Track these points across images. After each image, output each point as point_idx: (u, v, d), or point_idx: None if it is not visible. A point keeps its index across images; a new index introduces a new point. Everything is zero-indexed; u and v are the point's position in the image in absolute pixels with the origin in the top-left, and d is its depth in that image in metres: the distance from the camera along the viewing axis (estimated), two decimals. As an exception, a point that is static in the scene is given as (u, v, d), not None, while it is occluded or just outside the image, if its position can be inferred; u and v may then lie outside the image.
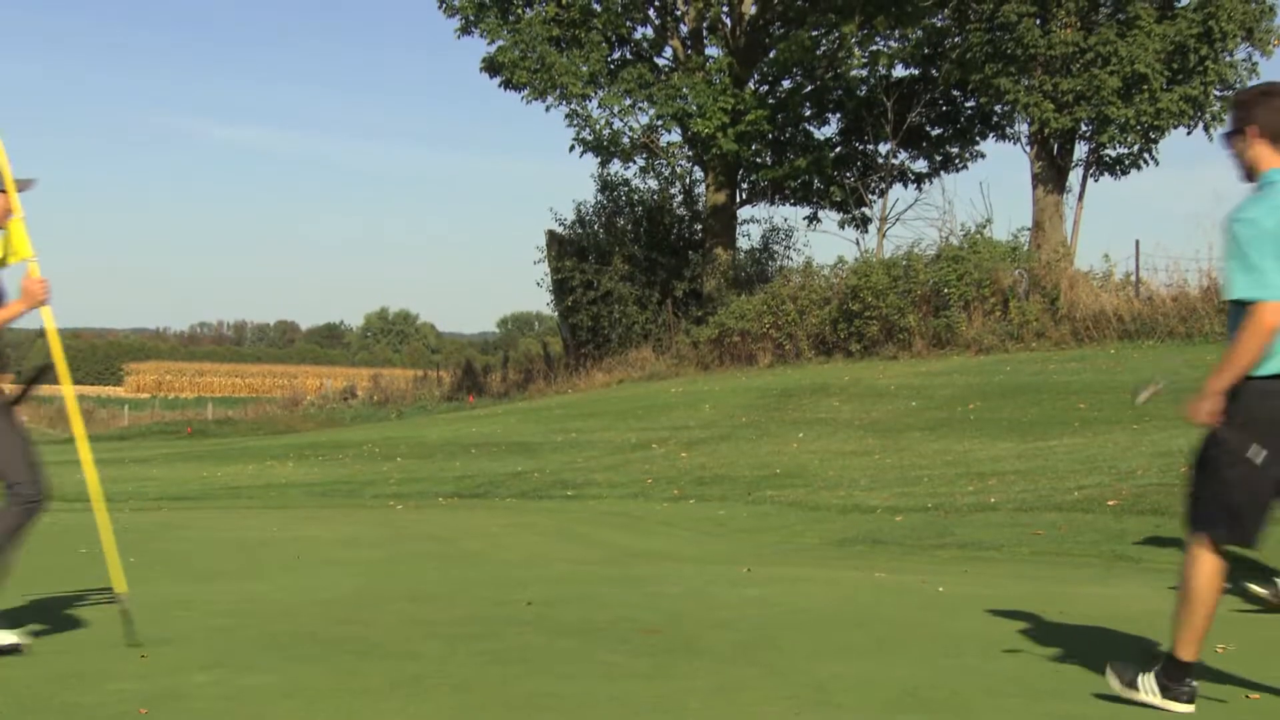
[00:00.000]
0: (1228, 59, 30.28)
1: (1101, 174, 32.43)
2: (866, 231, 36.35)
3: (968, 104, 35.65)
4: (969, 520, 11.20)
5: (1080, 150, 32.16)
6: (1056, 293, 26.77)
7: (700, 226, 36.23)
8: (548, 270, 36.21)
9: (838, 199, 35.85)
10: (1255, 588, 7.09)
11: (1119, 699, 5.11)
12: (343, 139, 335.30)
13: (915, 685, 5.43)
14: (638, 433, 19.81)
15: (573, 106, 34.12)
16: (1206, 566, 4.99)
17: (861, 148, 36.68)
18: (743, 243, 36.61)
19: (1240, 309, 4.85)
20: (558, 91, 33.31)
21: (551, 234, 36.30)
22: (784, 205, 37.57)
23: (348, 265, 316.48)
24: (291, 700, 5.20)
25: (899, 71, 35.86)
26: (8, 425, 5.97)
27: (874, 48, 35.02)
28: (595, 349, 34.08)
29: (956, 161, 36.67)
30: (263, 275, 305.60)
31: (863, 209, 36.33)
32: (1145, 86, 29.47)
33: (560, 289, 35.56)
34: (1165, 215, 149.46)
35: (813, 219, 37.31)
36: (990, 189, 74.36)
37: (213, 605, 7.49)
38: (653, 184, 36.62)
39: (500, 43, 33.74)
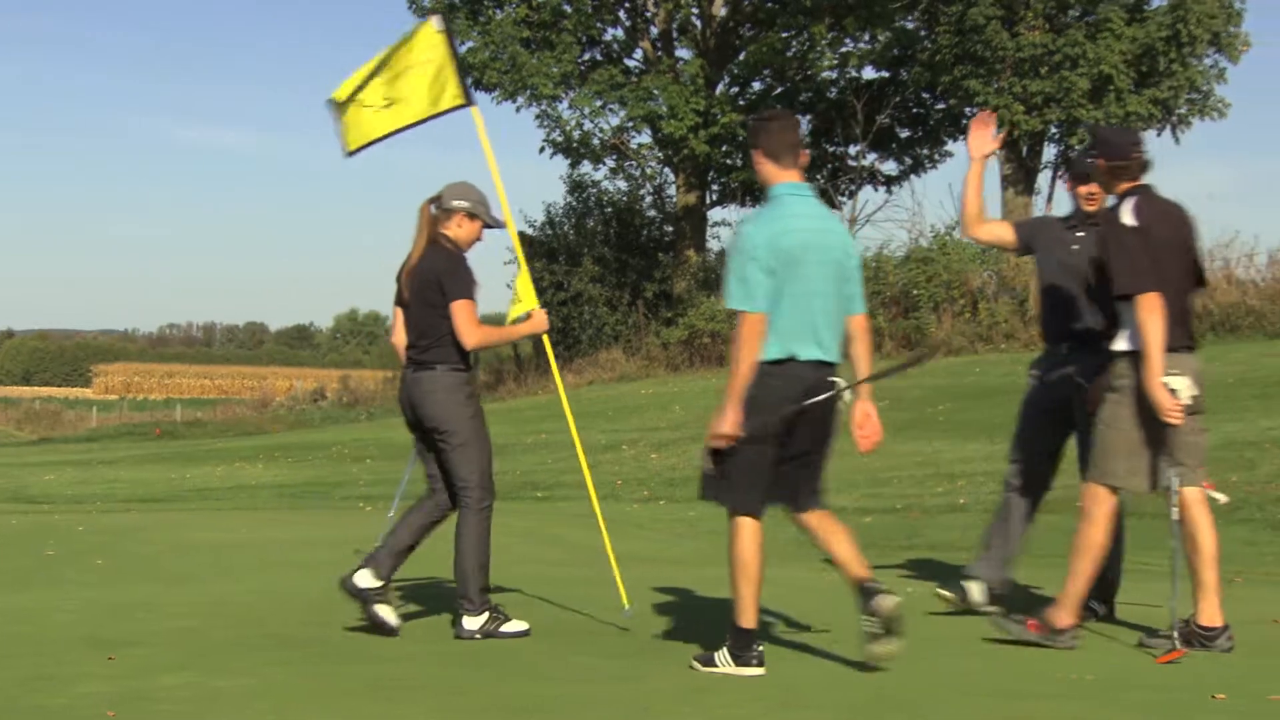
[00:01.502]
0: (1196, 64, 30.44)
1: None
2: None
3: (937, 106, 35.67)
4: (938, 521, 11.24)
5: (1049, 152, 32.26)
6: (1026, 294, 26.80)
7: (671, 228, 36.25)
8: (513, 274, 36.15)
9: (808, 201, 35.99)
10: (943, 591, 7.19)
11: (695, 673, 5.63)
12: (312, 140, 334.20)
13: (886, 686, 5.44)
14: (608, 434, 19.79)
15: (543, 108, 34.06)
16: (745, 537, 5.64)
17: (831, 149, 36.67)
18: (713, 244, 36.67)
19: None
20: (528, 93, 33.23)
21: (521, 235, 36.22)
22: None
23: (317, 266, 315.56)
24: (262, 702, 5.16)
25: (869, 73, 35.95)
26: None
27: (844, 49, 35.05)
28: (565, 350, 34.02)
29: (926, 163, 36.73)
30: (232, 276, 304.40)
31: (833, 210, 36.44)
32: (1113, 88, 29.58)
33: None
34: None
35: (783, 220, 37.39)
36: (960, 191, 74.67)
37: (182, 607, 7.44)
38: (623, 185, 36.62)
39: (470, 44, 33.66)
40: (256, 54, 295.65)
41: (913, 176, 36.81)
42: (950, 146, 36.77)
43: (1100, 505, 6.16)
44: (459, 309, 6.51)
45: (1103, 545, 6.15)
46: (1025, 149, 31.60)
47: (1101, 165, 6.28)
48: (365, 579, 6.60)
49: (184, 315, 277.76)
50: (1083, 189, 7.03)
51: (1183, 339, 6.08)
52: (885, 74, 35.71)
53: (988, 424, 17.12)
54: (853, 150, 36.05)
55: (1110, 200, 6.44)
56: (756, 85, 36.11)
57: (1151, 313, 5.90)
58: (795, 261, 5.52)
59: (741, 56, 35.28)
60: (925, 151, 36.60)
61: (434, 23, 7.09)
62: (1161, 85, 30.07)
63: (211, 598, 7.83)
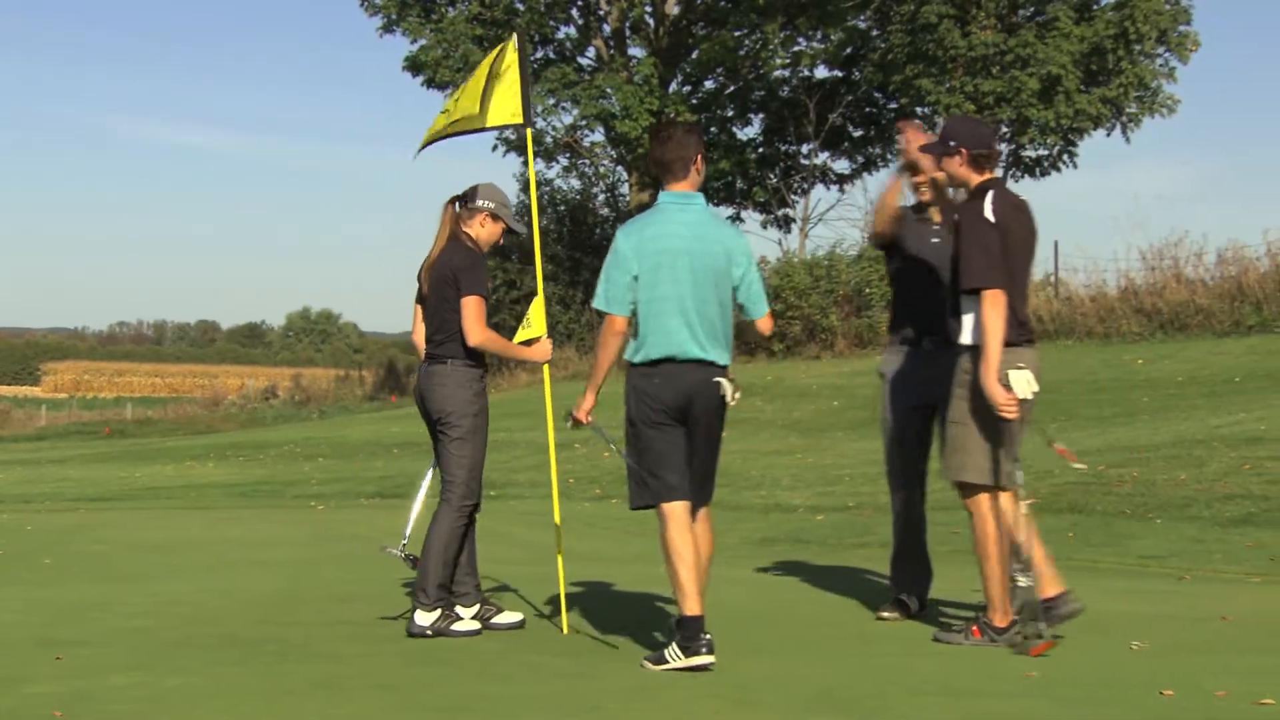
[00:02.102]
0: (1145, 62, 30.59)
1: (1021, 175, 32.58)
2: (789, 232, 36.51)
3: (889, 105, 35.72)
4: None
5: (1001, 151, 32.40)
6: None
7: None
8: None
9: (760, 199, 36.01)
10: (884, 613, 7.08)
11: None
12: (265, 137, 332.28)
13: (835, 684, 5.46)
14: (561, 432, 19.71)
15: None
16: (672, 525, 5.78)
17: (784, 148, 36.82)
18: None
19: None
20: (481, 91, 33.17)
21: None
22: (712, 205, 37.59)
23: (270, 264, 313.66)
24: (213, 701, 5.14)
25: (821, 72, 36.08)
26: None
27: (796, 48, 35.14)
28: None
29: (878, 162, 36.80)
30: (183, 274, 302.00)
31: (785, 209, 36.45)
32: (1062, 88, 29.70)
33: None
34: (1084, 217, 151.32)
35: (735, 219, 37.42)
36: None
37: (132, 607, 7.40)
38: (575, 184, 36.60)
39: (423, 42, 33.54)
40: (211, 50, 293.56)
41: (865, 175, 36.98)
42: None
43: (977, 500, 6.21)
44: (469, 304, 6.62)
45: (999, 536, 6.18)
46: None
47: (964, 155, 6.23)
48: (462, 620, 6.69)
49: (135, 313, 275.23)
50: (917, 179, 6.94)
51: (1025, 333, 6.21)
52: (838, 73, 35.89)
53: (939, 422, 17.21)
54: (805, 149, 36.19)
55: (957, 192, 6.50)
56: (709, 84, 36.21)
57: (995, 308, 5.98)
58: (664, 267, 5.78)
59: (694, 55, 35.34)
60: (877, 150, 36.72)
61: (514, 40, 7.20)
62: (1110, 84, 30.22)
63: (162, 597, 7.78)
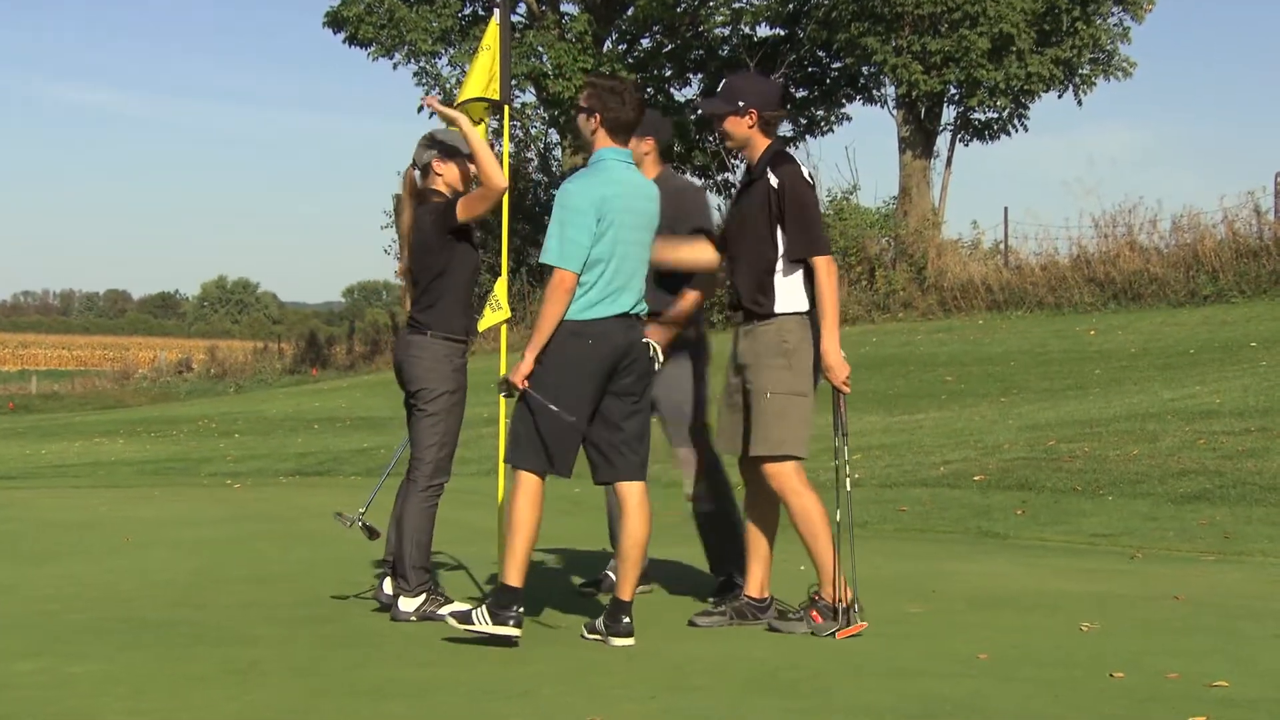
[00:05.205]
0: (1100, 22, 30.20)
1: (971, 139, 31.98)
2: (729, 196, 36.14)
3: (834, 65, 35.12)
4: (833, 496, 11.16)
5: (949, 114, 31.67)
6: (924, 261, 26.76)
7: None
8: (395, 237, 35.54)
9: (699, 163, 35.32)
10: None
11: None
12: (178, 98, 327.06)
13: (775, 666, 5.33)
14: (490, 407, 19.46)
15: (422, 65, 33.33)
16: (522, 495, 5.73)
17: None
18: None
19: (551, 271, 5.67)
20: (406, 48, 32.49)
21: (399, 198, 35.65)
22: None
23: (183, 231, 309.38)
24: (120, 687, 4.95)
25: (763, 30, 35.31)
26: None
27: (736, 5, 34.45)
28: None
29: (822, 125, 36.20)
30: (91, 241, 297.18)
31: (725, 174, 36.04)
32: (1014, 48, 28.99)
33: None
34: (1035, 182, 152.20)
35: (673, 184, 36.93)
36: (857, 154, 74.50)
37: (37, 590, 7.15)
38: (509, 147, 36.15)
39: (346, -4, 32.83)
40: (127, 6, 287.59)
41: (808, 138, 36.26)
42: (849, 108, 36.36)
43: (794, 476, 6.03)
44: (463, 206, 6.38)
45: (819, 511, 6.03)
46: (923, 110, 30.94)
47: (754, 117, 6.00)
48: (452, 602, 6.42)
49: (40, 282, 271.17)
50: (644, 145, 6.63)
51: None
52: (780, 31, 35.10)
53: (884, 395, 17.17)
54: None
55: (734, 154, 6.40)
56: (646, 42, 35.58)
57: (831, 275, 5.89)
58: (617, 225, 5.73)
59: (630, 12, 34.47)
60: (821, 113, 36.11)
61: (495, 14, 7.01)
62: (1064, 44, 29.66)
63: (68, 579, 7.53)
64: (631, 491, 5.88)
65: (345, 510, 7.10)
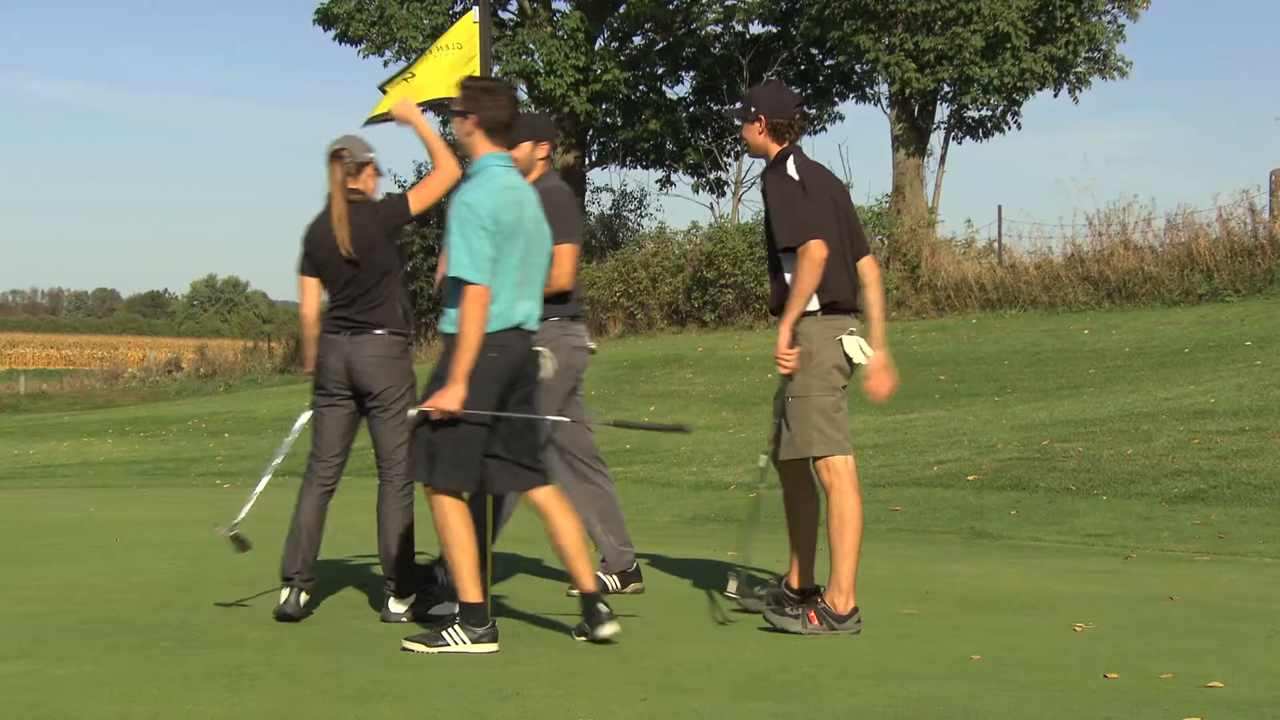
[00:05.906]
0: (1095, 19, 30.08)
1: (964, 136, 31.69)
2: (722, 195, 35.77)
3: (826, 63, 34.84)
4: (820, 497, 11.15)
5: (942, 112, 31.33)
6: (917, 260, 26.67)
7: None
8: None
9: (692, 161, 35.15)
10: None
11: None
12: (169, 96, 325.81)
13: (766, 668, 5.29)
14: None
15: (412, 62, 33.25)
16: (454, 515, 5.60)
17: (716, 108, 35.52)
18: (593, 208, 36.15)
19: (458, 286, 5.53)
20: (397, 46, 32.36)
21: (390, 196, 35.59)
22: (636, 168, 36.77)
23: (173, 230, 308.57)
24: (105, 690, 4.89)
25: (755, 28, 35.06)
26: None
27: (729, 2, 34.30)
28: (437, 318, 33.44)
29: (815, 123, 35.90)
30: (80, 239, 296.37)
31: (718, 172, 35.81)
32: (1008, 45, 28.72)
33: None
34: (1029, 180, 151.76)
35: (665, 182, 36.77)
36: (850, 152, 74.53)
37: (23, 591, 7.09)
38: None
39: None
40: (116, 4, 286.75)
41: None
42: (842, 106, 36.26)
43: (837, 474, 6.07)
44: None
45: (855, 517, 6.01)
46: (917, 108, 30.76)
47: (763, 123, 6.14)
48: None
49: (28, 280, 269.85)
50: (541, 149, 6.75)
51: (855, 301, 6.14)
52: (772, 29, 34.86)
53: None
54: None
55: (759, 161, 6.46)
56: (638, 39, 35.43)
57: (814, 261, 5.88)
58: (513, 233, 5.65)
59: (622, 9, 34.25)
60: (814, 110, 36.05)
61: (474, 13, 6.99)
62: (1059, 42, 29.47)
63: (55, 581, 7.48)
64: (544, 496, 5.82)
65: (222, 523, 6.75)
